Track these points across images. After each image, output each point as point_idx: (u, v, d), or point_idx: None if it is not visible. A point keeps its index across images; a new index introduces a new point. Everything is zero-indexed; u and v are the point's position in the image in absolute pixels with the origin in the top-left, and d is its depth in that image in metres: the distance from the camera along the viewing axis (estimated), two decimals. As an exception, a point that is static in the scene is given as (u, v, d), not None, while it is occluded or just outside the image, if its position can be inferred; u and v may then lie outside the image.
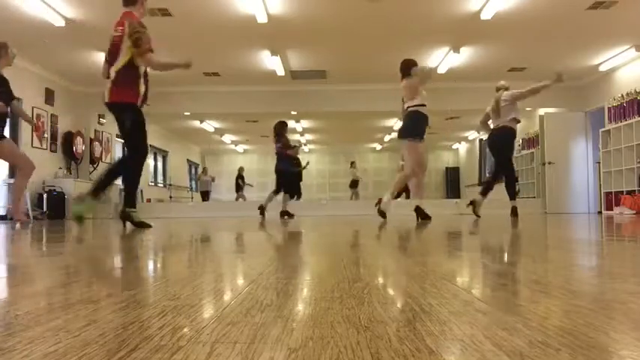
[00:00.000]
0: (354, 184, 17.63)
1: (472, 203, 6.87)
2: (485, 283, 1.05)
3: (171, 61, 4.33)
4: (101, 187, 4.19)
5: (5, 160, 5.67)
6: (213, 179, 17.51)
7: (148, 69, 4.21)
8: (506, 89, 6.75)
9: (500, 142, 6.69)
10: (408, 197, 15.43)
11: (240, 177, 17.41)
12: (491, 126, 6.82)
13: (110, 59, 4.11)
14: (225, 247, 2.18)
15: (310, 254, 1.77)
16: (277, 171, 9.09)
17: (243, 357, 0.52)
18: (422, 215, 5.82)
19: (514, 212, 6.81)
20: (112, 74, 4.04)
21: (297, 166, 9.93)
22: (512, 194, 6.86)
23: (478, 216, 6.68)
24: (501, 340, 0.57)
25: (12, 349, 0.55)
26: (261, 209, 8.86)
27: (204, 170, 18.03)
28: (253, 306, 0.78)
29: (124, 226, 4.31)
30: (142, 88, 4.13)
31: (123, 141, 4.33)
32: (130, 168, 4.28)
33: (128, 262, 1.59)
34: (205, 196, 17.06)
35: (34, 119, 9.83)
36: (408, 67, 6.02)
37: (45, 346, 0.56)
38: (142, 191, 13.58)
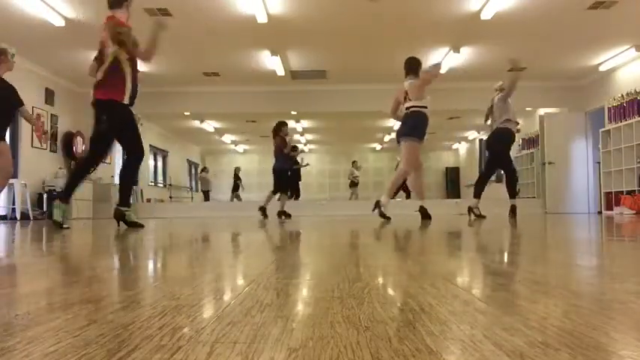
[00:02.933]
0: (353, 183, 17.57)
1: (470, 211, 6.88)
2: (485, 283, 1.05)
3: (151, 37, 4.27)
4: (70, 190, 4.31)
5: None
6: (214, 177, 17.48)
7: (139, 67, 4.30)
8: (502, 90, 6.77)
9: (495, 143, 6.72)
10: (408, 197, 15.46)
11: (236, 177, 17.37)
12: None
13: (100, 59, 4.20)
14: (225, 247, 2.18)
15: (310, 254, 1.77)
16: (274, 170, 9.09)
17: (243, 357, 0.52)
18: (425, 215, 5.85)
19: (513, 211, 6.79)
20: (100, 75, 4.12)
21: (293, 164, 9.94)
22: (513, 193, 6.84)
23: (483, 216, 6.62)
24: (501, 340, 0.57)
25: (12, 349, 0.55)
26: (263, 210, 8.84)
27: (205, 169, 17.99)
28: (253, 306, 0.78)
29: (118, 225, 4.36)
30: (129, 87, 4.20)
31: (119, 142, 4.37)
32: (132, 168, 4.43)
33: (128, 262, 1.59)
34: (206, 195, 17.06)
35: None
36: (415, 66, 6.06)
37: (45, 346, 0.56)
38: (141, 191, 13.58)
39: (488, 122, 6.87)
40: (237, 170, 17.59)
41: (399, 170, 6.10)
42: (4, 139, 5.42)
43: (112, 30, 4.10)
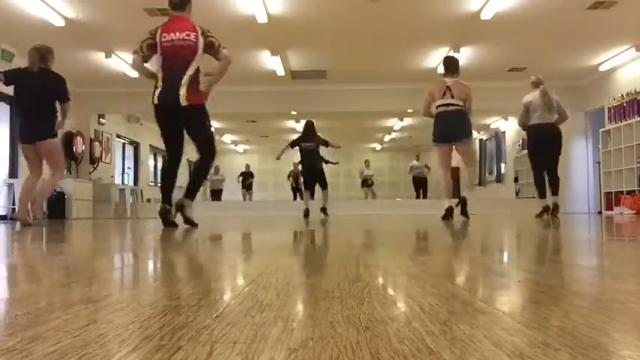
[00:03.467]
0: (365, 182, 17.47)
1: (546, 210, 6.64)
2: (485, 283, 1.05)
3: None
4: (193, 190, 4.41)
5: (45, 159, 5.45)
6: (224, 179, 17.25)
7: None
8: (542, 83, 6.58)
9: (559, 137, 6.53)
10: (425, 197, 15.57)
11: (249, 174, 17.11)
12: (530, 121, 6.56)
13: (179, 63, 4.12)
14: (225, 247, 2.18)
15: (310, 254, 1.77)
16: (320, 170, 9.10)
17: (243, 357, 0.52)
18: (465, 211, 5.76)
19: (555, 209, 6.64)
20: (186, 78, 4.11)
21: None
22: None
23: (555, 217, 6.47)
24: (501, 340, 0.57)
25: (12, 349, 0.55)
26: (307, 212, 8.95)
27: (216, 169, 17.80)
28: (253, 306, 0.78)
29: (175, 216, 4.32)
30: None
31: (196, 142, 4.36)
32: (207, 167, 4.45)
33: (128, 262, 1.59)
34: (217, 195, 16.74)
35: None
36: (458, 65, 5.98)
37: (45, 346, 0.56)
38: (141, 191, 13.58)
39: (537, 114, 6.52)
40: (247, 167, 17.36)
41: (472, 169, 6.09)
42: (51, 136, 5.38)
43: (207, 32, 4.13)
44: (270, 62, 9.80)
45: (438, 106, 5.83)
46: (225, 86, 11.38)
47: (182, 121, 4.21)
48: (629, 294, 0.87)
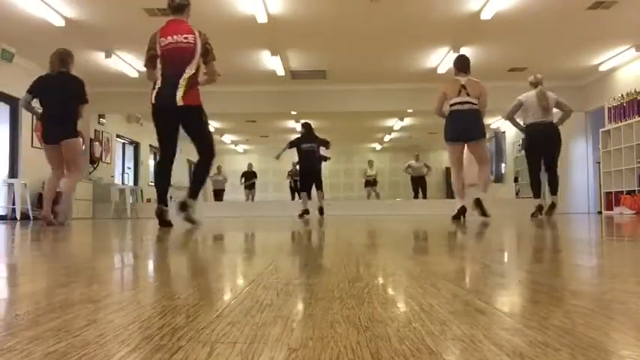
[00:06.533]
0: (368, 183, 17.49)
1: (540, 209, 6.86)
2: (485, 283, 1.05)
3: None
4: (196, 190, 4.49)
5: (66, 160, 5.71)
6: (226, 179, 17.20)
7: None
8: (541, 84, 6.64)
9: (557, 137, 6.66)
10: (425, 196, 15.58)
11: (252, 174, 17.02)
12: (521, 121, 6.65)
13: (177, 65, 4.18)
14: (225, 247, 2.18)
15: (309, 254, 1.77)
16: (318, 171, 9.23)
17: (243, 357, 0.52)
18: (482, 210, 5.74)
19: (552, 208, 6.89)
20: (184, 78, 4.16)
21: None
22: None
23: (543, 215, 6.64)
24: (501, 340, 0.57)
25: (12, 349, 0.55)
26: (306, 212, 9.03)
27: (218, 169, 17.80)
28: (253, 306, 0.78)
29: (181, 214, 4.35)
30: None
31: (195, 142, 4.50)
32: (207, 166, 4.53)
33: (128, 262, 1.59)
34: (219, 195, 16.76)
35: (35, 119, 9.83)
36: (469, 64, 5.89)
37: (45, 346, 0.56)
38: (141, 191, 13.58)
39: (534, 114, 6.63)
40: (250, 167, 17.28)
41: (486, 168, 6.09)
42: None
43: (205, 38, 4.24)
44: (270, 62, 9.81)
45: (452, 105, 5.77)
46: (225, 86, 11.45)
47: (178, 121, 4.25)
48: (629, 294, 0.87)
